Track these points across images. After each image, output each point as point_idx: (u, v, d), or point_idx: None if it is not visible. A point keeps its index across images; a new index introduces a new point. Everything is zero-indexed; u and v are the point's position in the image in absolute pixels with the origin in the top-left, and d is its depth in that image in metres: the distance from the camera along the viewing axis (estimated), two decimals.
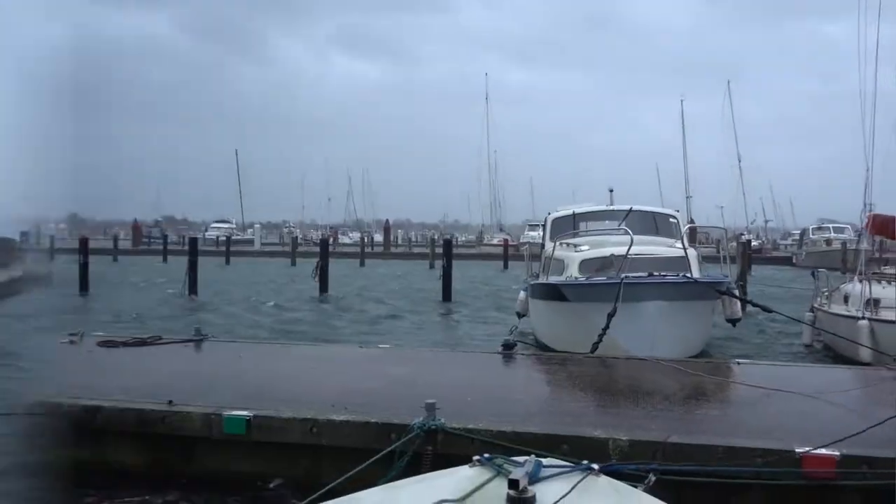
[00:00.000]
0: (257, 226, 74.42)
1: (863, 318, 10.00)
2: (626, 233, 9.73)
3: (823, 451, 4.13)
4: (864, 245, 13.26)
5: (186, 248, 25.56)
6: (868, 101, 11.25)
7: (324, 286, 22.12)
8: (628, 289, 8.36)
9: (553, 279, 10.98)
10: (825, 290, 13.11)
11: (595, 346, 8.07)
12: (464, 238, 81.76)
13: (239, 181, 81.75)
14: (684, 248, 10.28)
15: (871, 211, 12.51)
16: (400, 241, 77.77)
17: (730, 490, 4.18)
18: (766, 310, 8.76)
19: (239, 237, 68.28)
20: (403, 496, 2.73)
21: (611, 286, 8.55)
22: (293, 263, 42.80)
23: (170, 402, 5.18)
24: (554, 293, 10.23)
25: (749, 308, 11.32)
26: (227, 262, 43.23)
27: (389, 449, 4.47)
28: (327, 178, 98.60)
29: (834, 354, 11.17)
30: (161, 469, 5.15)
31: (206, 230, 72.61)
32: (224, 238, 54.00)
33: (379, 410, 5.00)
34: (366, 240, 59.39)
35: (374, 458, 4.24)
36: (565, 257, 11.31)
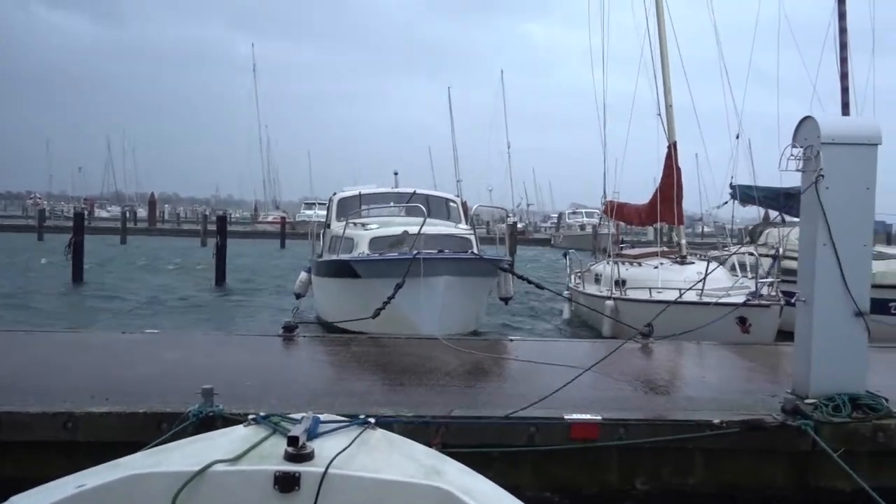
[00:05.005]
0: None
1: (609, 297, 11.21)
2: (421, 211, 10.03)
3: (588, 416, 4.51)
4: (611, 230, 14.94)
5: None
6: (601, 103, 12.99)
7: (78, 264, 19.94)
8: (422, 264, 8.48)
9: (343, 257, 10.89)
10: (578, 270, 14.57)
11: (377, 312, 8.05)
12: (238, 215, 78.81)
13: None
14: (473, 229, 10.84)
15: (606, 198, 14.33)
16: (167, 217, 72.77)
17: (507, 457, 4.40)
18: (538, 286, 9.46)
19: None
20: (173, 458, 2.54)
21: (404, 262, 8.63)
22: (40, 238, 38.36)
23: None
24: (344, 269, 10.12)
25: (516, 290, 12.20)
26: None
27: (159, 440, 4.11)
28: (78, 145, 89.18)
29: (588, 329, 12.40)
30: None
31: None
32: None
33: (148, 400, 4.57)
34: (128, 214, 54.50)
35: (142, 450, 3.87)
36: (355, 236, 11.29)
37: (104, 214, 66.68)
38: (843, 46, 14.03)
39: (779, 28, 15.12)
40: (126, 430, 4.31)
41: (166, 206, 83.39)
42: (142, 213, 65.54)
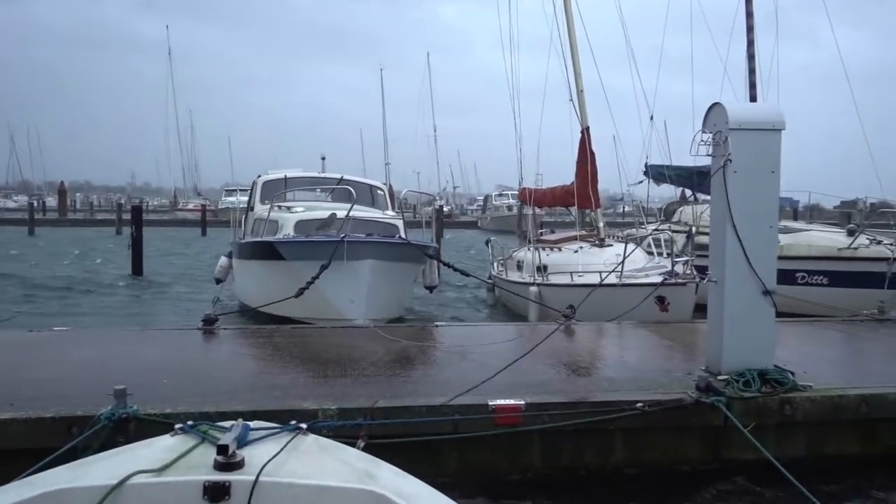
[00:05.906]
0: None
1: (533, 284, 11.37)
2: (348, 196, 9.90)
3: (511, 401, 4.56)
4: (530, 216, 15.15)
5: None
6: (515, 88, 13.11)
7: None
8: (348, 247, 8.37)
9: (267, 239, 10.64)
10: (500, 258, 14.71)
11: (301, 291, 7.89)
12: (156, 202, 76.31)
13: None
14: (402, 215, 10.81)
15: (522, 184, 14.56)
16: (79, 206, 69.60)
17: (433, 445, 4.40)
18: (464, 273, 9.49)
19: None
20: (94, 471, 2.42)
21: (330, 244, 8.49)
22: None
23: None
24: (268, 251, 9.86)
25: (442, 278, 12.29)
26: None
27: (69, 445, 3.92)
28: None
29: (512, 314, 12.56)
30: None
31: None
32: None
33: (56, 403, 4.36)
34: (35, 204, 51.71)
35: (48, 458, 3.68)
36: (279, 218, 11.07)
37: (10, 205, 63.30)
38: (750, 30, 14.67)
39: (691, 13, 15.65)
40: (32, 437, 4.10)
41: (78, 194, 79.71)
42: (51, 202, 62.43)
